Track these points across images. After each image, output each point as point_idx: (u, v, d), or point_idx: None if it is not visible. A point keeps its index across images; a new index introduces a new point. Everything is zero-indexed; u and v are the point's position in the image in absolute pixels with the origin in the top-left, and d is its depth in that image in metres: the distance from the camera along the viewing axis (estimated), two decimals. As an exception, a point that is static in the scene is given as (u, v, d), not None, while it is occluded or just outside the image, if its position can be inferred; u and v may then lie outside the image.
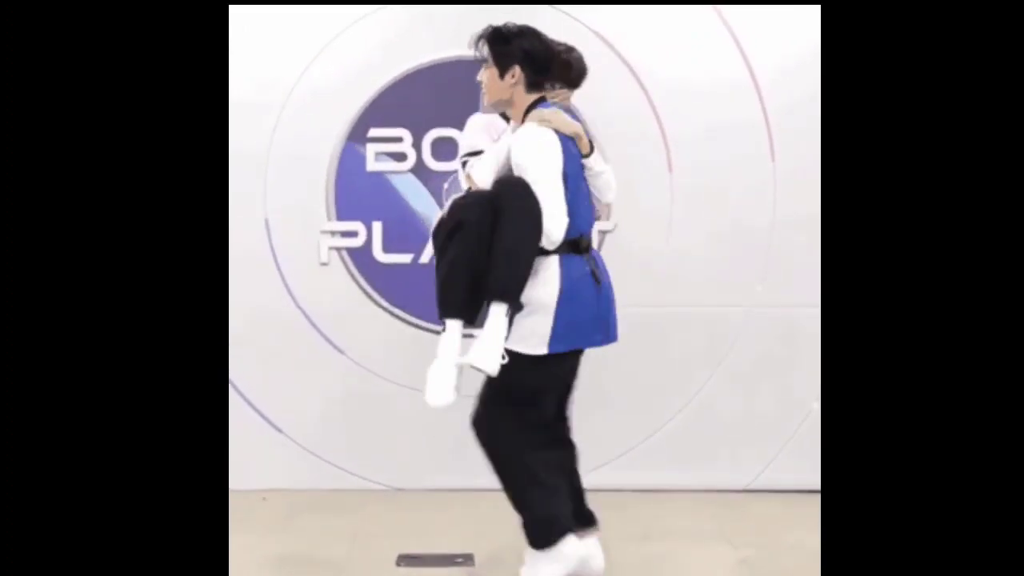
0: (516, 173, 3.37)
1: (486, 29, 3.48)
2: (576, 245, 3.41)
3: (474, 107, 4.34)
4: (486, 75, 3.49)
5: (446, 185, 4.66)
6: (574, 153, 3.43)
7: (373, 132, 4.67)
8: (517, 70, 3.44)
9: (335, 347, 4.76)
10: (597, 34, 4.61)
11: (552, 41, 3.57)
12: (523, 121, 3.46)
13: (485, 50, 3.46)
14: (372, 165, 4.69)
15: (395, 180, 4.69)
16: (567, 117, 3.49)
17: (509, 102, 3.49)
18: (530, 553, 3.51)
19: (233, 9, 4.53)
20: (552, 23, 4.47)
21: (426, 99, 4.60)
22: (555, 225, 3.31)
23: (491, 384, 3.43)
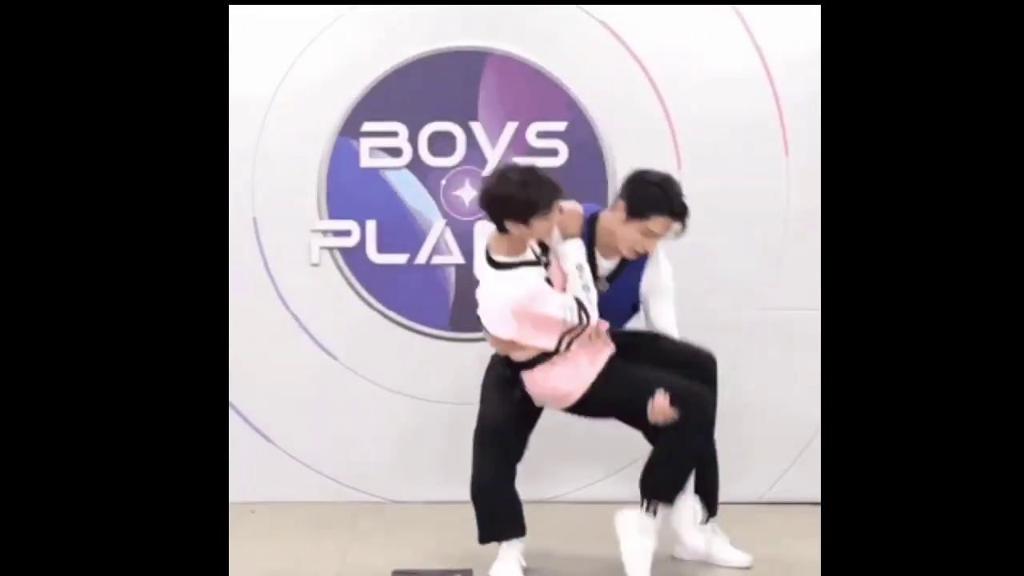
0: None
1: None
2: None
3: (472, 100, 4.27)
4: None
5: (443, 182, 4.67)
6: None
7: (367, 126, 4.67)
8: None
9: (327, 352, 4.76)
10: (602, 23, 4.61)
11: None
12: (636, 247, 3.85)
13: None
14: (366, 161, 4.68)
15: (390, 176, 4.67)
16: None
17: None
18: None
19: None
20: (564, 19, 4.63)
21: (423, 92, 4.61)
22: None
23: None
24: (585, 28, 4.57)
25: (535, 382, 3.78)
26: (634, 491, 4.56)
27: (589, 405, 3.80)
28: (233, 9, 4.46)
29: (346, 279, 4.72)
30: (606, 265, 3.86)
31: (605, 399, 3.79)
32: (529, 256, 3.74)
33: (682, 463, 3.76)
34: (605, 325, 3.77)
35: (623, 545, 3.73)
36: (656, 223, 3.71)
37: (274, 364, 4.74)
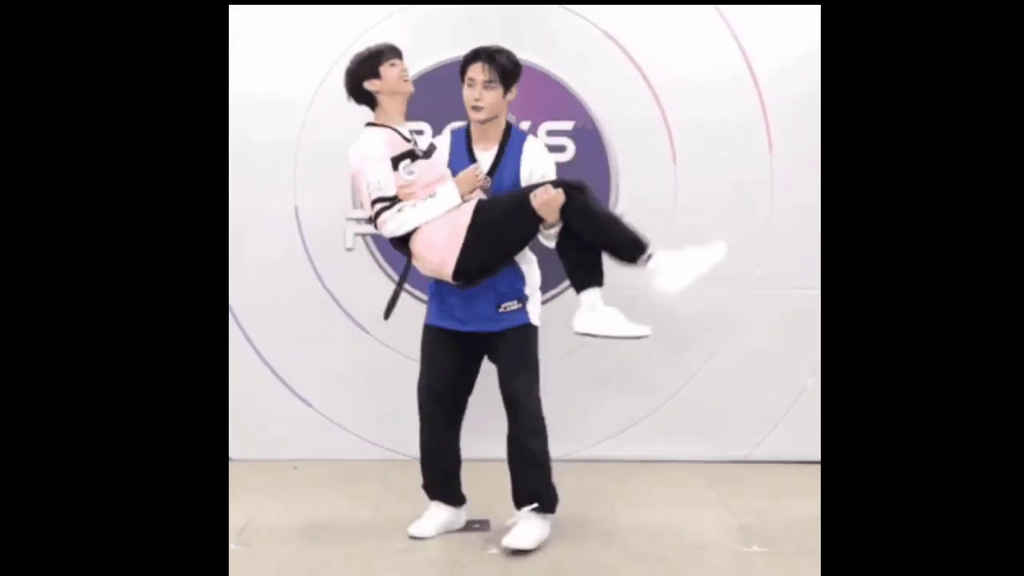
0: (538, 179, 3.83)
1: (504, 55, 3.80)
2: None
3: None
4: (493, 94, 3.79)
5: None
6: None
7: (397, 125, 4.75)
8: (514, 89, 3.81)
9: (360, 327, 4.91)
10: (605, 32, 4.74)
11: None
12: (505, 134, 3.91)
13: (495, 74, 3.76)
14: (396, 156, 4.76)
15: (416, 170, 4.77)
16: None
17: (495, 117, 3.88)
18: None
19: (263, 11, 4.70)
20: (562, 22, 4.70)
21: (445, 94, 4.49)
22: None
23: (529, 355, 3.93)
24: (591, 38, 4.65)
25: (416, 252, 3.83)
26: (633, 452, 4.75)
27: (480, 232, 3.73)
28: (277, 23, 4.68)
29: (376, 262, 4.84)
30: (485, 157, 3.89)
31: (489, 221, 3.74)
32: (402, 130, 3.85)
33: (604, 235, 3.77)
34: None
35: (598, 323, 3.77)
36: (471, 70, 3.82)
37: (313, 337, 4.87)
